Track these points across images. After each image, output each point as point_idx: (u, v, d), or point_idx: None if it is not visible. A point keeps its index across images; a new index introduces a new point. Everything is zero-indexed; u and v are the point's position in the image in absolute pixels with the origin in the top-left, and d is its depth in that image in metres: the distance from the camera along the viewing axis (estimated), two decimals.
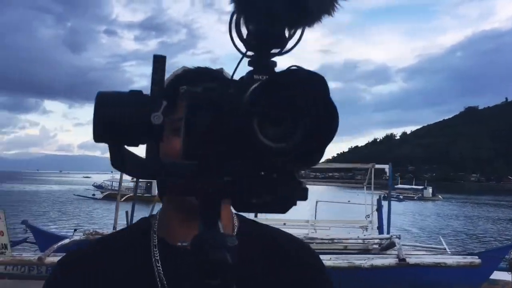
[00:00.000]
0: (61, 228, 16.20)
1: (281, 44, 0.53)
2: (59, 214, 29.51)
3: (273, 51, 0.53)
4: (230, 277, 0.53)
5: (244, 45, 0.54)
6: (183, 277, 0.80)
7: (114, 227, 8.39)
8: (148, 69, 0.53)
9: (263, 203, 0.52)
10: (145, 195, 27.41)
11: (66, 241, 6.77)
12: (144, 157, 0.56)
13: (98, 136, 0.52)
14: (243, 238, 0.74)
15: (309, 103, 0.47)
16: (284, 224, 8.21)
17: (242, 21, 0.52)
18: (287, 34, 0.53)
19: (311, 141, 0.47)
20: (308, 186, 0.53)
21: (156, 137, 0.53)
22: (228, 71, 0.86)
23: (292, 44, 0.54)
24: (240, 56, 0.54)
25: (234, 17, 0.53)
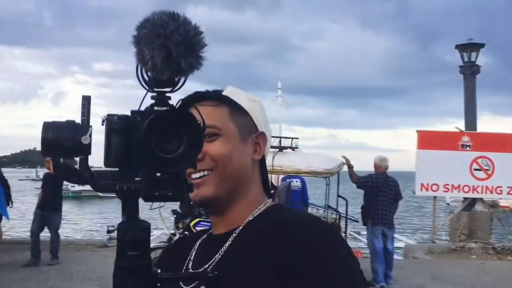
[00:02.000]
0: None
1: (171, 86, 0.75)
2: None
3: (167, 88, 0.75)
4: (146, 249, 0.76)
5: (147, 86, 0.75)
6: (205, 255, 1.03)
7: None
8: None
9: (162, 195, 0.74)
10: None
11: None
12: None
13: (44, 152, 0.74)
14: (255, 222, 1.01)
15: (185, 132, 0.72)
16: None
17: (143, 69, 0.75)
18: (176, 79, 0.75)
19: (187, 154, 0.72)
20: None
21: (85, 153, 0.75)
22: None
23: (179, 86, 0.76)
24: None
25: (139, 67, 0.75)
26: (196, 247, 1.09)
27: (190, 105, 0.98)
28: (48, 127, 0.74)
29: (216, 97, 1.04)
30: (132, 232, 0.75)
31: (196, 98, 1.02)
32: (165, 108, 0.73)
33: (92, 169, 0.76)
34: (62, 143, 0.73)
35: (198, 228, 6.42)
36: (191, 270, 1.03)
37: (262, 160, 1.09)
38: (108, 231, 5.88)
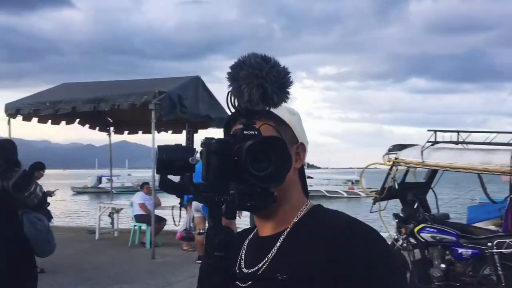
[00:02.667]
0: None
1: (258, 115, 0.95)
2: None
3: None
4: (229, 252, 0.90)
5: (236, 113, 0.96)
6: (255, 256, 1.15)
7: None
8: None
9: (252, 205, 0.91)
10: None
11: None
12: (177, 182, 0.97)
13: (158, 170, 0.92)
14: (301, 223, 1.12)
15: (275, 154, 0.87)
16: None
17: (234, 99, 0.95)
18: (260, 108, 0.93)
19: (277, 172, 0.87)
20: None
21: (191, 170, 0.92)
22: None
23: (265, 112, 0.98)
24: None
25: (229, 96, 0.95)
26: (244, 247, 1.21)
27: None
28: (163, 150, 0.91)
29: (262, 114, 1.12)
30: (220, 236, 0.89)
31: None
32: (254, 132, 0.91)
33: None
34: (174, 162, 0.90)
35: (423, 235, 5.97)
36: (244, 269, 1.15)
37: (301, 167, 1.20)
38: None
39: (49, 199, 8.34)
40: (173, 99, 8.75)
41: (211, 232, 0.90)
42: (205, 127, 11.58)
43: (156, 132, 9.27)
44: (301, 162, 1.18)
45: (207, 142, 0.90)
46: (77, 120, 11.16)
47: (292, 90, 0.93)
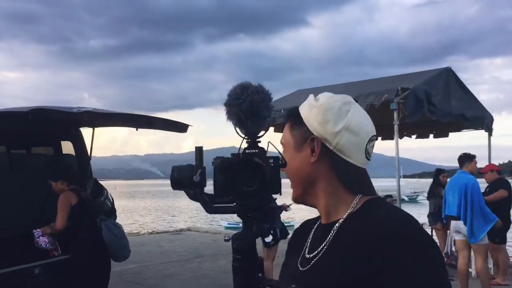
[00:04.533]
0: None
1: (258, 137, 1.14)
2: None
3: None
4: (252, 256, 1.11)
5: (243, 135, 1.15)
6: (315, 242, 1.21)
7: None
8: None
9: (252, 216, 1.13)
10: None
11: None
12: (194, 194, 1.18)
13: (173, 187, 1.15)
14: (350, 218, 1.15)
15: (256, 174, 1.09)
16: None
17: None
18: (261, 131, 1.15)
19: (261, 187, 1.09)
20: None
21: (198, 186, 1.14)
22: None
23: (260, 135, 1.17)
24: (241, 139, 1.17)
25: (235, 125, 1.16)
26: (312, 232, 1.26)
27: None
28: (174, 169, 1.15)
29: (287, 115, 1.26)
30: (238, 242, 1.10)
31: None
32: (255, 151, 1.12)
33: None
34: (182, 180, 1.14)
35: None
36: (307, 254, 1.20)
37: (337, 159, 1.16)
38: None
39: (283, 213, 7.94)
40: (419, 97, 7.33)
41: (233, 237, 1.13)
42: (457, 129, 9.76)
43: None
44: (316, 156, 1.17)
45: (216, 161, 1.12)
46: None
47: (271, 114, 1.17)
